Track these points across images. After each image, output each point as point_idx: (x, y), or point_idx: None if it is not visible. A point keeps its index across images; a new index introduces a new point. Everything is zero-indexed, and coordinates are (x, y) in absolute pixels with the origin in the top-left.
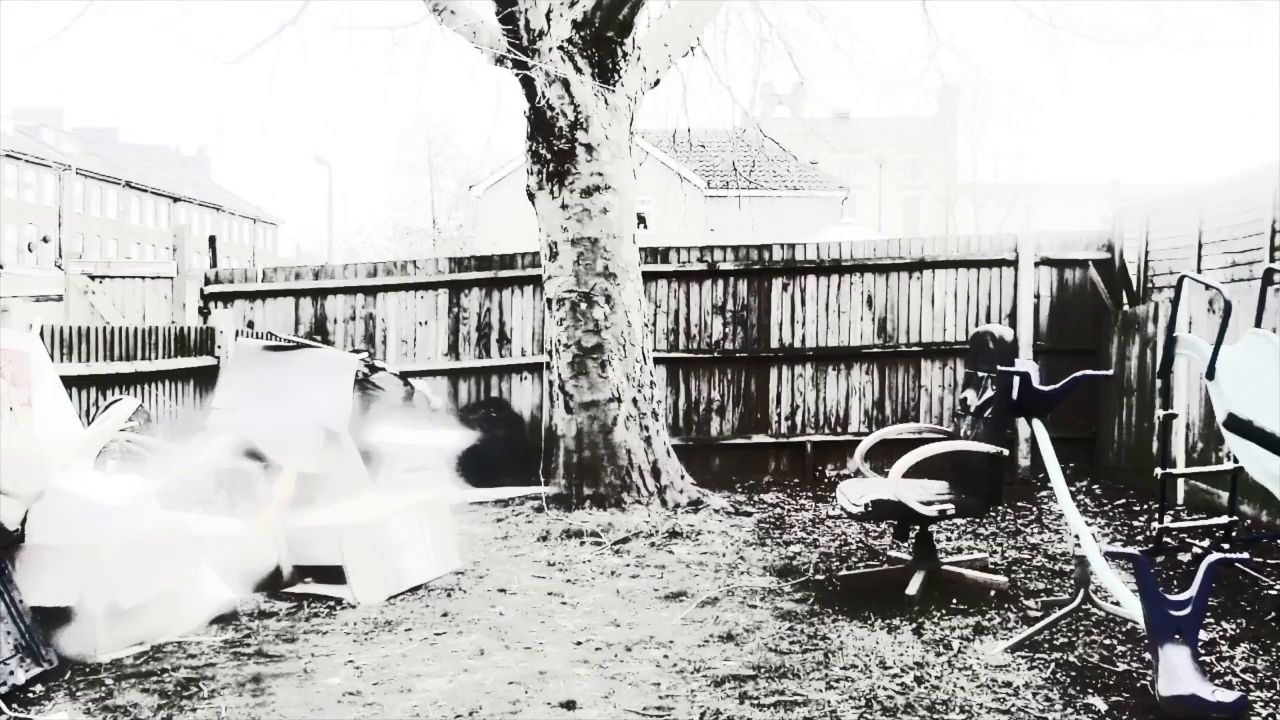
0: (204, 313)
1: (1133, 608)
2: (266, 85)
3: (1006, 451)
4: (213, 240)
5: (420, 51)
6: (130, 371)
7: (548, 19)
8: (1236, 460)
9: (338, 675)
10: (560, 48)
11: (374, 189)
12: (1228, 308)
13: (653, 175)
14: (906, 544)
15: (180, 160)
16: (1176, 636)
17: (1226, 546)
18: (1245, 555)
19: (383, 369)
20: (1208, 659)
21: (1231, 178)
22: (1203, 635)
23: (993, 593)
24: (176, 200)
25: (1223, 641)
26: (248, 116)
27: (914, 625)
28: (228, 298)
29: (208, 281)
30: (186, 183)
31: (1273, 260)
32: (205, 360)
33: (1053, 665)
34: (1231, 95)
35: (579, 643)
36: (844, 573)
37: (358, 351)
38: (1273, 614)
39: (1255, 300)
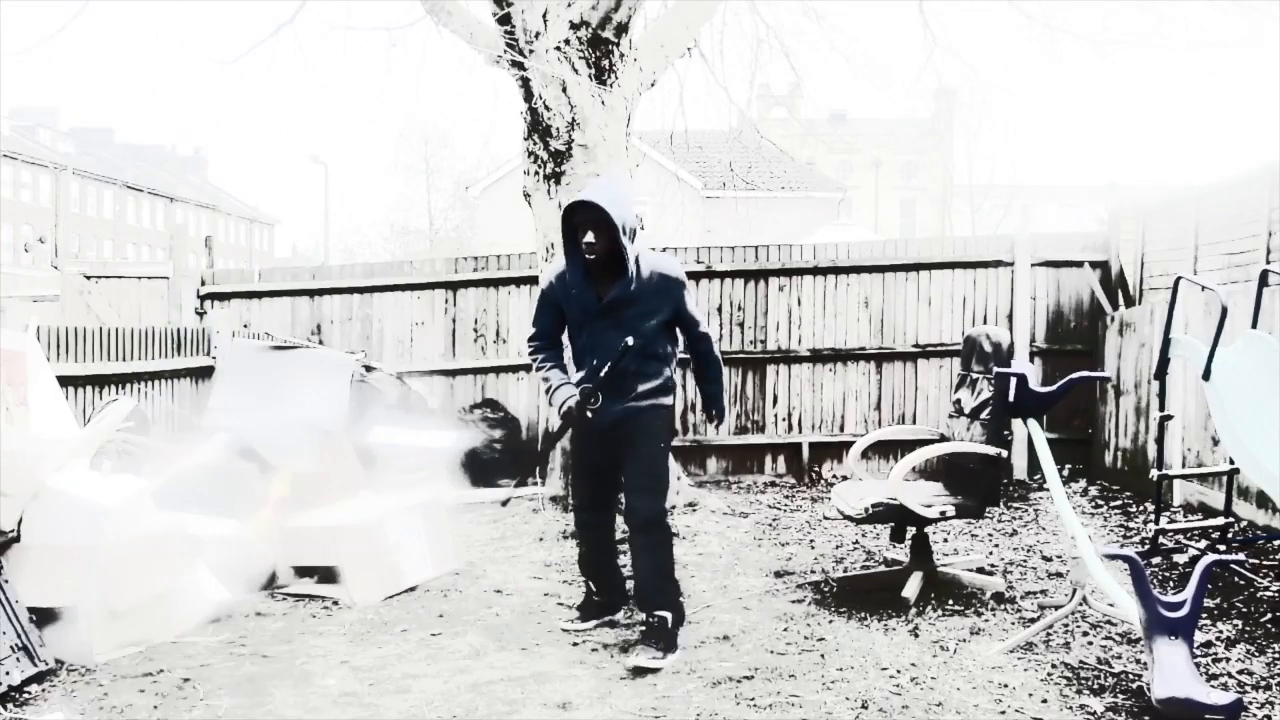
0: (200, 313)
1: (1129, 609)
2: (264, 85)
3: (1005, 453)
4: (208, 240)
5: (418, 52)
6: (126, 372)
7: (544, 20)
8: (1232, 462)
9: (334, 676)
10: (557, 49)
11: (370, 189)
12: (1224, 309)
13: (650, 176)
14: (902, 545)
15: (176, 160)
16: (1172, 637)
17: (1223, 548)
18: (1241, 557)
19: (379, 369)
20: (1204, 660)
21: (1228, 179)
22: (1199, 637)
23: (989, 594)
24: (173, 200)
25: (1219, 643)
26: (245, 117)
27: (910, 626)
28: (224, 298)
29: (204, 282)
30: (183, 183)
31: (1268, 262)
32: (201, 361)
33: (1049, 666)
34: (1228, 96)
35: (575, 644)
36: (840, 574)
37: (352, 352)
38: (1269, 616)
39: (1251, 302)
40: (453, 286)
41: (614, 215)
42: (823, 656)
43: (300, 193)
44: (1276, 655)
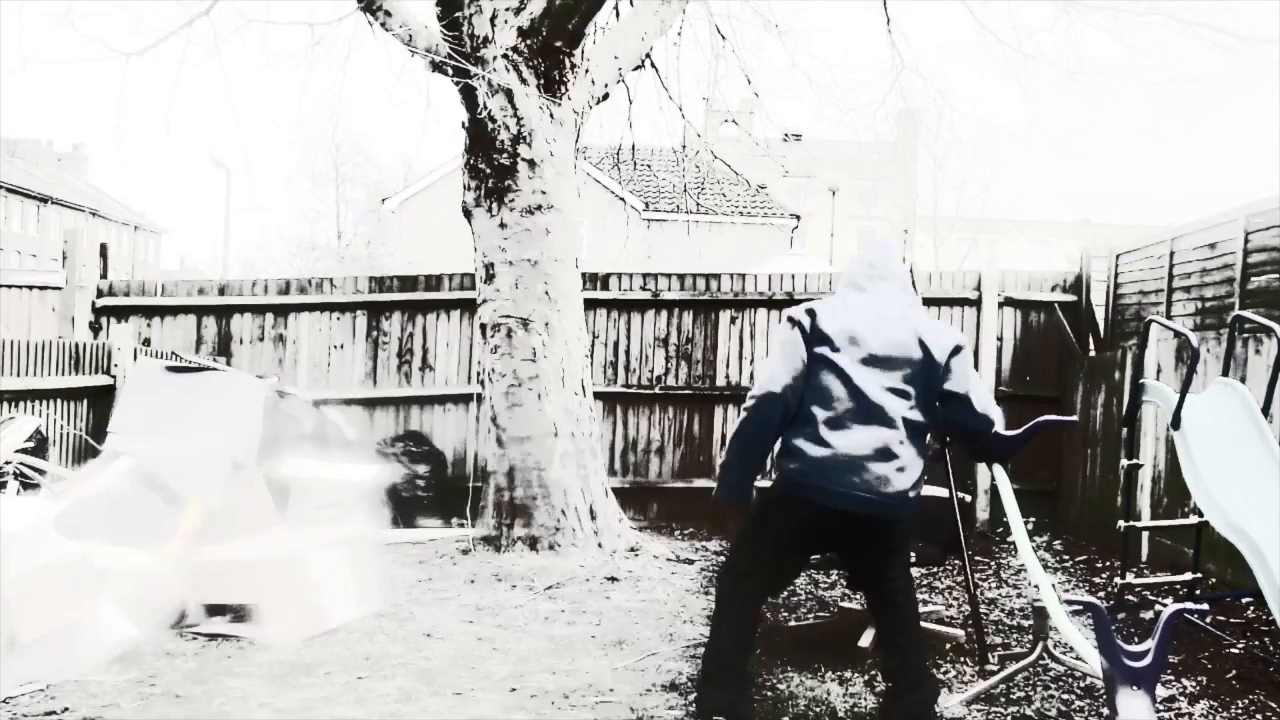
0: (95, 328)
1: (1093, 661)
2: (166, 81)
3: (969, 497)
4: (104, 249)
5: (341, 54)
6: (20, 389)
7: (492, 24)
8: (1201, 514)
9: (257, 716)
10: (505, 56)
11: (274, 198)
12: (1195, 354)
13: (587, 195)
14: (859, 594)
15: (52, 157)
16: (1134, 687)
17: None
18: (1205, 608)
19: (293, 395)
20: (1168, 716)
21: (1202, 220)
22: (1163, 691)
23: (948, 646)
24: (46, 202)
25: (1183, 698)
26: (135, 112)
27: (866, 677)
28: (122, 312)
29: (100, 294)
30: (59, 183)
31: (1242, 306)
32: (101, 379)
33: (1009, 718)
34: (1206, 133)
35: (513, 689)
36: (793, 624)
37: (263, 376)
38: (1234, 672)
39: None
40: (376, 308)
41: None
42: (775, 705)
43: (191, 200)
44: (1240, 711)
